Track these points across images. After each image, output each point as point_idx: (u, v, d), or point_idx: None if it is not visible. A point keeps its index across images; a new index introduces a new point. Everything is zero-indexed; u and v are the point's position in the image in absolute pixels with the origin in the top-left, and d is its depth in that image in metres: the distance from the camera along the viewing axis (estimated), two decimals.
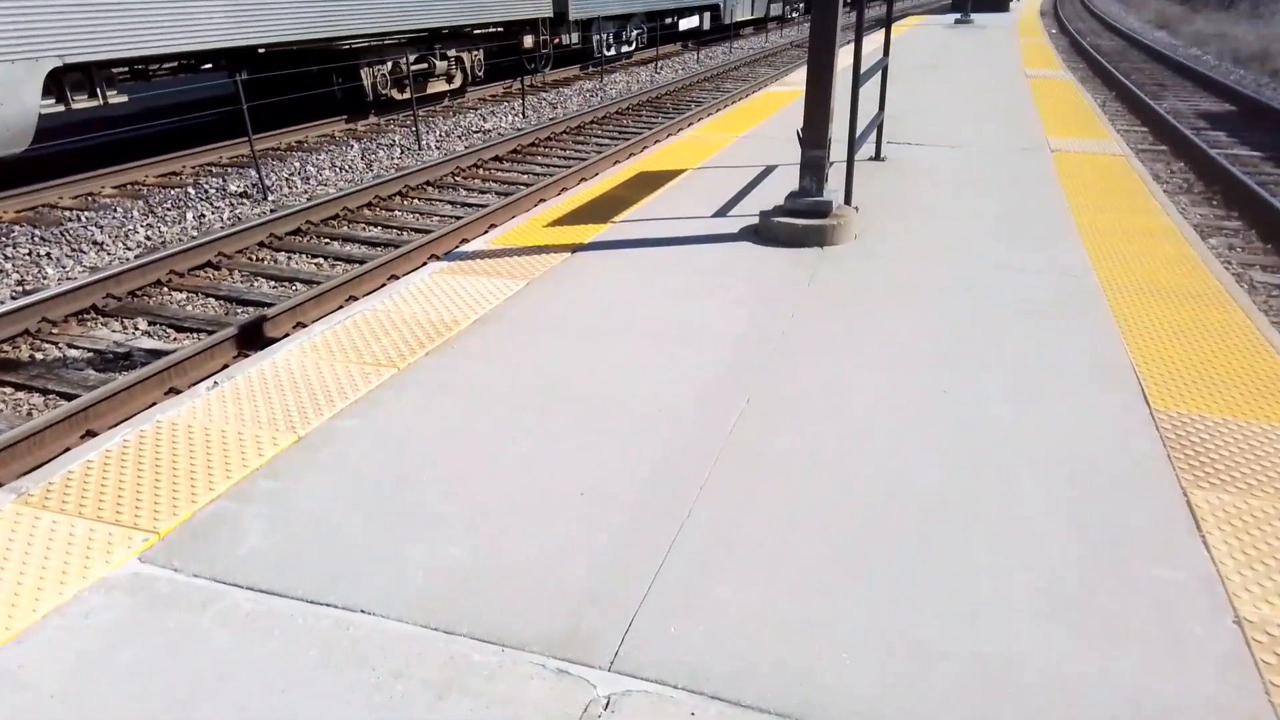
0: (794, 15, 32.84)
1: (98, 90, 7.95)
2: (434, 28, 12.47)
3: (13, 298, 5.77)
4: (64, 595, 1.99)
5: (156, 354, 4.65)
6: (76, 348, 4.95)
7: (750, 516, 2.26)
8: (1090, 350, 3.22)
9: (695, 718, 1.66)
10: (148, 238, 7.00)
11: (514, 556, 2.10)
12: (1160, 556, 2.10)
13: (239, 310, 5.41)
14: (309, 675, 1.76)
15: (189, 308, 5.48)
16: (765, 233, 4.62)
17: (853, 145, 4.85)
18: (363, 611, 1.93)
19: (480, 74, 14.39)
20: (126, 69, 9.46)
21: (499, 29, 14.74)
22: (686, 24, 22.42)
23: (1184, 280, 3.94)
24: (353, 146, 10.56)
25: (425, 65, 12.92)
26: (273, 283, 5.91)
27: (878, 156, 6.45)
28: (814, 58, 4.33)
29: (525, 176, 9.27)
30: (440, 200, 8.29)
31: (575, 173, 8.92)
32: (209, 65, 10.67)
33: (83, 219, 7.44)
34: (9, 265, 6.36)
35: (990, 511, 2.27)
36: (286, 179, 9.02)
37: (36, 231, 7.03)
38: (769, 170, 6.16)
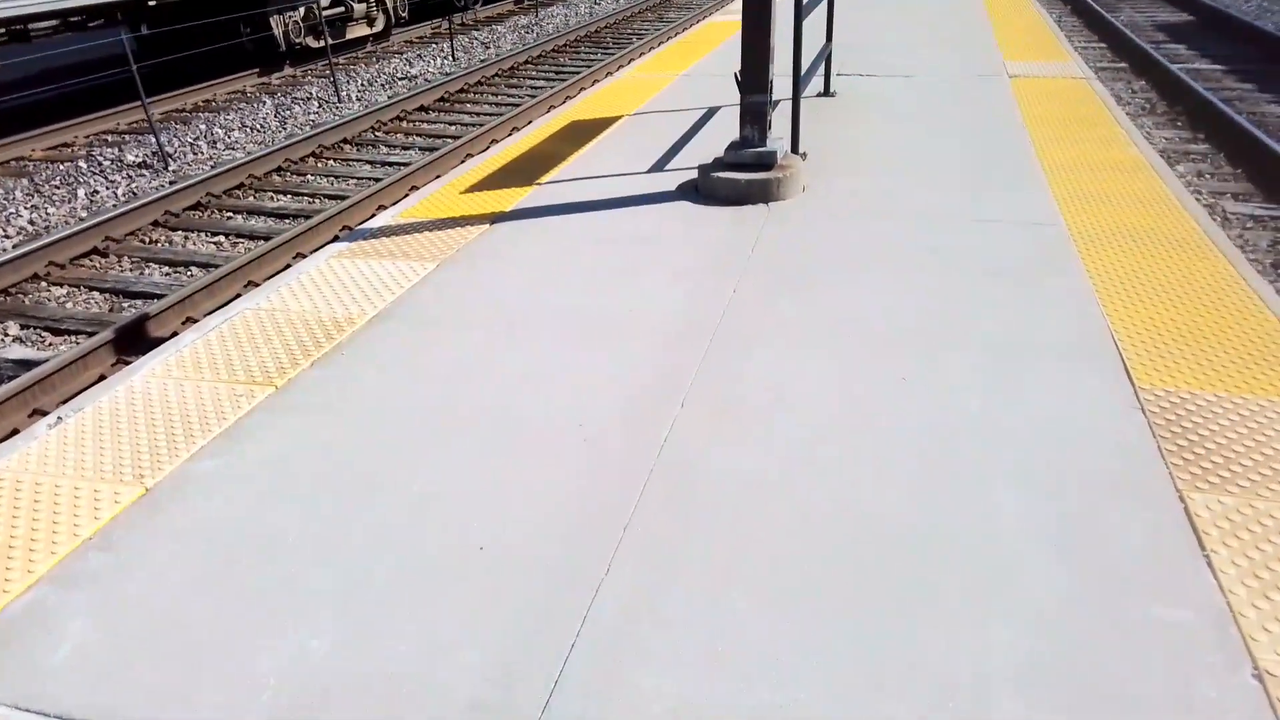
0: None
1: None
2: None
3: None
4: None
5: (26, 365, 4.09)
6: None
7: (683, 568, 1.89)
8: (1063, 318, 2.88)
9: None
10: (31, 222, 6.30)
11: (389, 650, 1.71)
12: (1160, 589, 1.78)
13: (125, 305, 4.83)
14: None
15: (69, 305, 4.88)
16: (705, 190, 4.17)
17: (798, 83, 4.38)
18: None
19: (405, 15, 13.40)
20: (2, 30, 8.53)
21: None
22: None
23: (1158, 222, 3.60)
24: (265, 103, 9.75)
25: (342, 9, 11.96)
26: (166, 269, 5.31)
27: (827, 92, 5.98)
28: None
29: (453, 128, 8.62)
30: (358, 160, 7.65)
31: (507, 121, 8.31)
32: (98, 22, 9.69)
33: None
34: None
35: (964, 543, 1.92)
36: (191, 143, 8.28)
37: None
38: (711, 113, 5.67)
